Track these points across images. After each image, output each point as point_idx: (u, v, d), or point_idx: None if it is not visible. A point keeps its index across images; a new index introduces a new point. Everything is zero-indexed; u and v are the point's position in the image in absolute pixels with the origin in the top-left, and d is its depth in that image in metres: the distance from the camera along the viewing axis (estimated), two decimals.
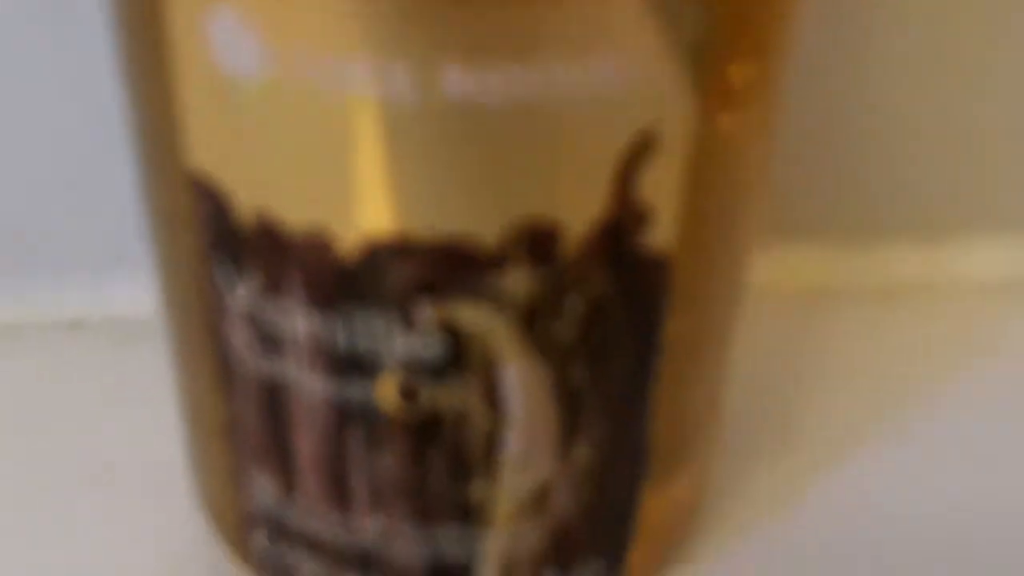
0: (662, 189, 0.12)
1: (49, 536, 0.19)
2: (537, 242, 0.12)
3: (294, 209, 0.12)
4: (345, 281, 0.12)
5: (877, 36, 0.22)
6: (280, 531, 0.16)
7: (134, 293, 0.23)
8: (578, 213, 0.12)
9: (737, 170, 0.13)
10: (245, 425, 0.15)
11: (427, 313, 0.13)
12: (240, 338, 0.14)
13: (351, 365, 0.13)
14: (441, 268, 0.12)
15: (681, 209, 0.13)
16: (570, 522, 0.16)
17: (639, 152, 0.12)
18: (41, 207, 0.22)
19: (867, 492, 0.21)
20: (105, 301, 0.23)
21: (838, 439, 0.22)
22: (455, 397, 0.13)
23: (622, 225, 0.12)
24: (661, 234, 0.13)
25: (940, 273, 0.25)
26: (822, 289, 0.25)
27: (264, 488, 0.15)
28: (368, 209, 0.12)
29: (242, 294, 0.13)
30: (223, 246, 0.13)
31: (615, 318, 0.13)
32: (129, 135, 0.14)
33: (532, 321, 0.13)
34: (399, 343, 0.13)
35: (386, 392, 0.13)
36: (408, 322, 0.13)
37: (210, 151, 0.12)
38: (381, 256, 0.12)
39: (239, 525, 0.17)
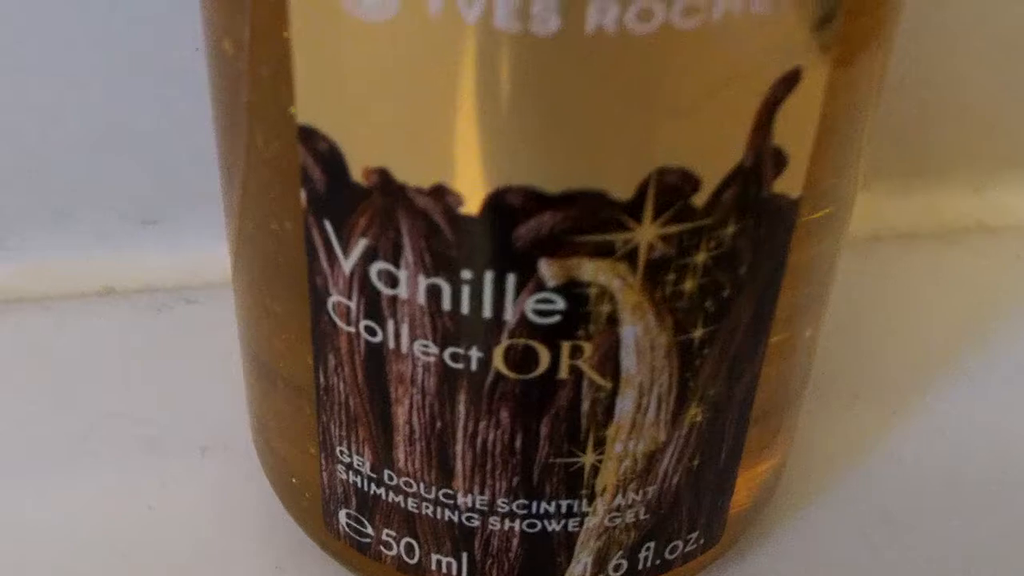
0: (798, 132, 0.12)
1: (105, 503, 0.18)
2: (672, 195, 0.11)
3: (414, 165, 0.11)
4: (467, 240, 0.12)
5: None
6: (371, 506, 0.15)
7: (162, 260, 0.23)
8: (717, 162, 0.11)
9: (857, 110, 0.13)
10: (340, 394, 0.14)
11: (551, 272, 0.12)
12: (342, 302, 0.13)
13: (466, 328, 0.12)
14: (569, 225, 0.11)
15: (811, 152, 0.12)
16: (673, 494, 0.15)
17: (783, 94, 0.11)
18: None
19: (943, 436, 0.20)
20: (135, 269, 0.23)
21: (908, 384, 0.21)
22: (574, 360, 0.13)
23: (758, 172, 0.12)
24: (792, 179, 0.12)
25: (990, 215, 0.26)
26: (874, 235, 0.25)
27: (356, 461, 0.15)
28: (496, 162, 0.11)
29: (352, 256, 0.12)
30: (333, 205, 0.12)
31: (738, 270, 0.13)
32: (221, 89, 0.13)
33: (658, 278, 0.12)
34: (519, 304, 0.12)
35: (501, 356, 0.13)
36: (530, 282, 0.12)
37: (324, 105, 0.11)
38: (507, 213, 0.11)
39: (323, 500, 0.16)
